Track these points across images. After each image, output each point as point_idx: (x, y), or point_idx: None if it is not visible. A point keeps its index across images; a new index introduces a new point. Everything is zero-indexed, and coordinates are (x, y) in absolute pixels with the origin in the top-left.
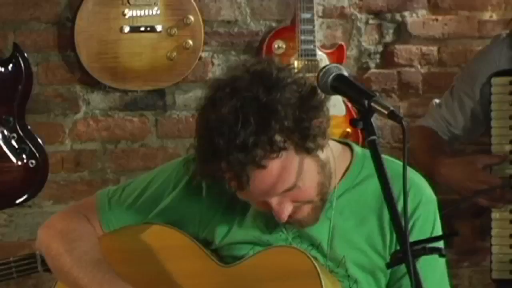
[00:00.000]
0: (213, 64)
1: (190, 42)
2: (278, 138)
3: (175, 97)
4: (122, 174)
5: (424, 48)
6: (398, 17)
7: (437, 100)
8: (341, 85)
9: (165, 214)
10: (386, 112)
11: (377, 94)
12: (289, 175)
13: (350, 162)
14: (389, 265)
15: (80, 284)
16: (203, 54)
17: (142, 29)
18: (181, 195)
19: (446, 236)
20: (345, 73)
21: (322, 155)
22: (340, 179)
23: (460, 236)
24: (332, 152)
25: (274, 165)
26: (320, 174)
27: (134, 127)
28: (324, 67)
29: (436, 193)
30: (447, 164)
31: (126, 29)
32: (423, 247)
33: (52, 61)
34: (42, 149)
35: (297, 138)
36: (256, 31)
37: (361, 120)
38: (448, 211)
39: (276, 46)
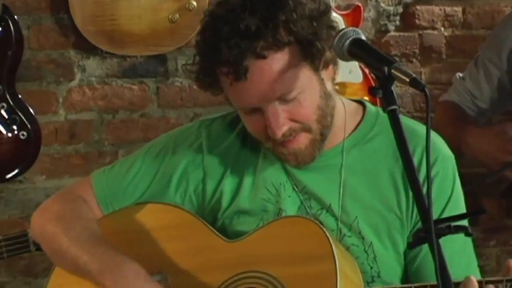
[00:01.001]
0: None
1: (194, 2)
2: (283, 32)
3: (178, 63)
4: (121, 147)
5: (448, 9)
6: None
7: (460, 74)
8: (358, 51)
9: (167, 185)
10: (407, 79)
11: (397, 59)
12: (289, 78)
13: (362, 118)
14: (411, 245)
15: (79, 263)
16: None
17: None
18: (184, 162)
19: (472, 213)
20: (363, 37)
21: (328, 85)
22: (350, 134)
23: (486, 213)
24: (344, 105)
25: (275, 59)
26: (322, 99)
27: (134, 96)
28: (340, 31)
29: (459, 167)
30: (474, 134)
31: None
32: (448, 226)
33: (44, 24)
34: (34, 120)
35: (303, 40)
36: None
37: (380, 89)
38: (474, 186)
39: None
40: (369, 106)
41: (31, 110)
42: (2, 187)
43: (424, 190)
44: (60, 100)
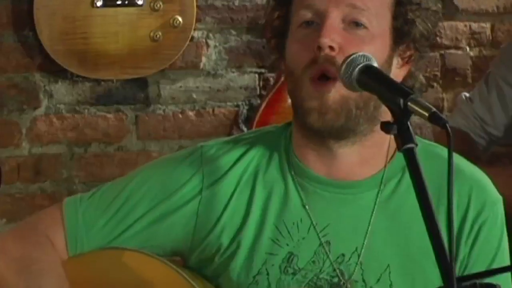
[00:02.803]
0: (208, 46)
1: (179, 18)
2: None
3: (160, 88)
4: (93, 185)
5: (474, 25)
6: None
7: (466, 94)
8: (369, 80)
9: (155, 227)
10: (426, 114)
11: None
12: (369, 7)
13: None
14: None
15: None
16: (196, 34)
17: (119, 2)
18: (178, 202)
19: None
20: (375, 64)
21: (392, 69)
22: (389, 161)
23: None
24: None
25: None
26: (384, 62)
27: (109, 126)
28: (349, 56)
29: None
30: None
31: (99, 2)
32: (473, 284)
33: (5, 42)
34: None
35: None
36: (262, 4)
37: (394, 124)
38: None
39: None
40: None
41: None
42: None
43: (463, 241)
44: (24, 131)
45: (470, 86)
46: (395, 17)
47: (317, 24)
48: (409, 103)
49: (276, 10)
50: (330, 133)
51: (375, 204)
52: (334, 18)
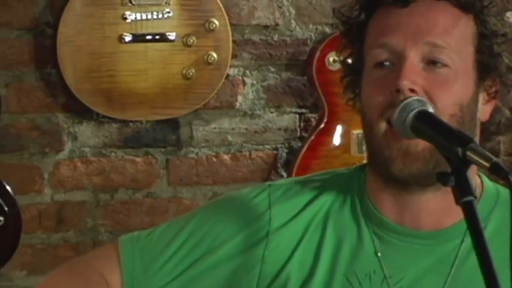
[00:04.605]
0: (244, 84)
1: (214, 54)
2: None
3: (193, 130)
4: (121, 235)
5: None
6: None
7: None
8: (425, 127)
9: (216, 271)
10: (487, 164)
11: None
12: (450, 40)
13: (481, 193)
14: None
15: None
16: (231, 71)
17: (149, 37)
18: (241, 236)
19: None
20: (430, 109)
21: (478, 110)
22: None
23: None
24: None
25: (448, 11)
26: (467, 107)
27: (137, 171)
28: (402, 101)
29: None
30: None
31: (127, 37)
32: None
33: (27, 81)
34: (12, 201)
35: (488, 32)
36: (304, 39)
37: (452, 175)
38: None
39: (331, 59)
40: (486, 180)
41: (9, 189)
42: None
43: None
44: (46, 176)
45: None
46: (479, 51)
47: (393, 64)
48: (468, 153)
49: (347, 47)
50: (417, 181)
51: (456, 256)
52: (413, 58)
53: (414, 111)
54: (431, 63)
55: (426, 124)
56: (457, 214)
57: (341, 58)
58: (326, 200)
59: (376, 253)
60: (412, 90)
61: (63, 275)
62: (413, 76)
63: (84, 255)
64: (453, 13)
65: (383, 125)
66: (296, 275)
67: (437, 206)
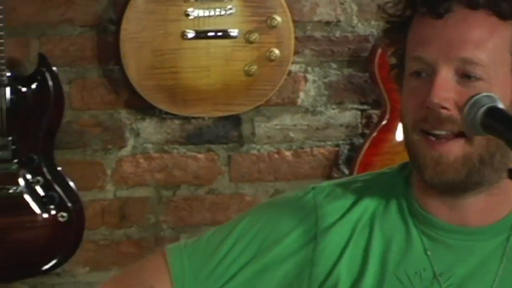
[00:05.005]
0: (306, 80)
1: (276, 51)
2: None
3: (255, 126)
4: (183, 231)
5: None
6: None
7: None
8: (495, 123)
9: (265, 275)
10: None
11: None
12: (485, 53)
13: None
14: None
15: None
16: (293, 68)
17: (211, 34)
18: (290, 239)
19: None
20: (500, 105)
21: None
22: None
23: None
24: None
25: (486, 22)
26: (508, 107)
27: (199, 167)
28: (471, 97)
29: None
30: None
31: (190, 34)
32: None
33: (90, 77)
34: (76, 198)
35: None
36: (366, 35)
37: None
38: None
39: None
40: None
41: (73, 186)
42: (35, 282)
43: None
44: (108, 172)
45: None
46: None
47: (428, 75)
48: None
49: (391, 46)
50: (451, 188)
51: (504, 251)
52: (446, 72)
53: (484, 107)
54: (465, 76)
55: (497, 120)
56: (501, 212)
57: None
58: (371, 200)
59: (425, 252)
60: (443, 107)
61: (113, 287)
62: (444, 92)
63: (132, 265)
64: (489, 23)
65: (417, 135)
66: (346, 276)
67: (481, 206)
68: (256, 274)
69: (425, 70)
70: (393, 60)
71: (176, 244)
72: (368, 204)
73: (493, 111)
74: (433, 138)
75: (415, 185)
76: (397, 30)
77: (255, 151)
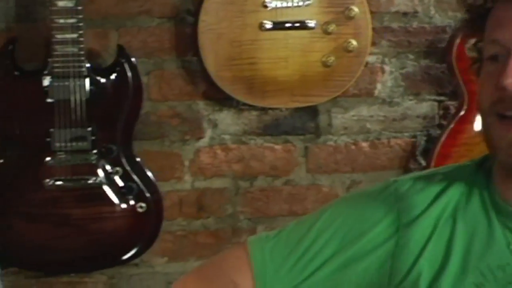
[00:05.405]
0: (383, 71)
1: (354, 42)
2: None
3: (332, 117)
4: (260, 222)
5: None
6: None
7: None
8: None
9: (346, 270)
10: None
11: None
12: None
13: None
14: None
15: None
16: (370, 59)
17: (289, 25)
18: (373, 232)
19: None
20: None
21: None
22: None
23: None
24: None
25: None
26: None
27: (276, 158)
28: None
29: None
30: None
31: (268, 25)
32: None
33: (168, 69)
34: (154, 188)
35: None
36: (443, 26)
37: None
38: None
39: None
40: None
41: (151, 176)
42: (113, 272)
43: None
44: (186, 163)
45: None
46: None
47: (503, 57)
48: None
49: (470, 36)
50: None
51: None
52: None
53: None
54: None
55: None
56: None
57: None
58: (453, 193)
59: (508, 246)
60: None
61: (194, 280)
62: None
63: (213, 257)
64: None
65: (493, 118)
66: (427, 270)
67: None
68: (338, 269)
69: (501, 52)
70: (472, 53)
71: (257, 236)
72: (451, 197)
73: None
74: (508, 120)
75: (496, 178)
76: (477, 19)
77: (332, 142)
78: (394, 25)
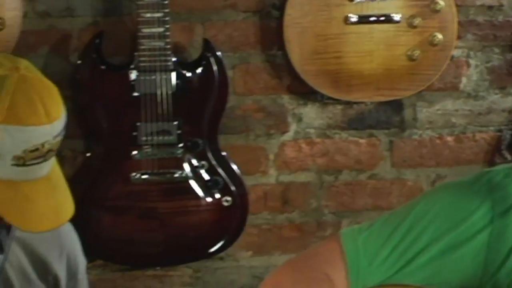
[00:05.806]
0: (468, 65)
1: (439, 36)
2: None
3: (417, 111)
4: (344, 216)
5: None
6: None
7: None
8: None
9: (441, 260)
10: None
11: None
12: None
13: None
14: None
15: None
16: (456, 52)
17: (374, 18)
18: (469, 221)
19: None
20: None
21: None
22: None
23: None
24: None
25: None
26: None
27: (361, 152)
28: None
29: None
30: None
31: (353, 18)
32: None
33: (253, 63)
34: (240, 182)
35: None
36: None
37: None
38: None
39: None
40: None
41: (237, 170)
42: (199, 266)
43: None
44: (271, 157)
45: None
46: None
47: None
48: None
49: None
50: None
51: None
52: None
53: None
54: None
55: None
56: None
57: None
58: None
59: None
60: None
61: (287, 272)
62: None
63: (306, 250)
64: None
65: None
66: None
67: None
68: (435, 257)
69: None
70: None
71: (350, 229)
72: None
73: None
74: None
75: None
76: None
77: (416, 136)
78: (480, 18)
